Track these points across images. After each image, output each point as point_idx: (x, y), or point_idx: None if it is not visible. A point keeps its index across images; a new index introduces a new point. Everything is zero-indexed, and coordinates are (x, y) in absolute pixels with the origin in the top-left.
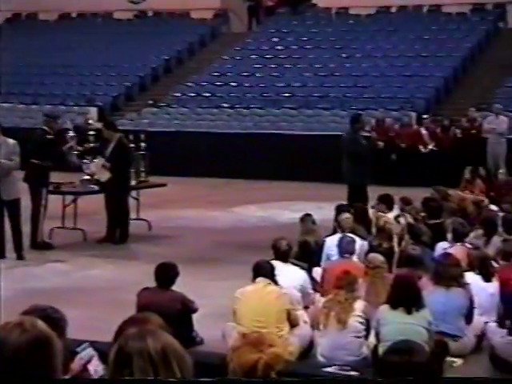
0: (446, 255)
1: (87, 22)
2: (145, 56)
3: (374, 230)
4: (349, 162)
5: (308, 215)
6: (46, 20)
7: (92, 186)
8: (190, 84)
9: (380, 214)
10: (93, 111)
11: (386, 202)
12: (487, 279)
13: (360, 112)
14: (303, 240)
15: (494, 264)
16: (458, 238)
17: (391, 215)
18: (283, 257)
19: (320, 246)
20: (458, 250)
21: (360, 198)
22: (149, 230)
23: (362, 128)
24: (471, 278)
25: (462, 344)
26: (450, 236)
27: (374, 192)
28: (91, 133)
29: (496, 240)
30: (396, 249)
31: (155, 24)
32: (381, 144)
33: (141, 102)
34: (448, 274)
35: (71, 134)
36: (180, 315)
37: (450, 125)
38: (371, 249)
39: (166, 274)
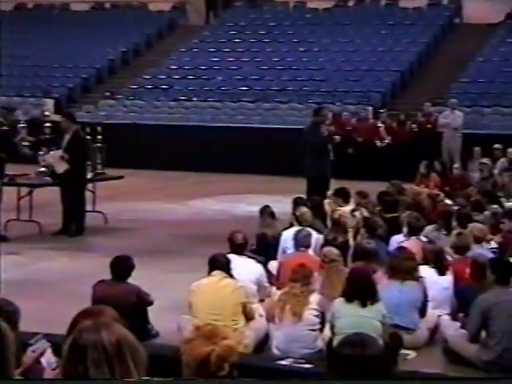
0: (401, 249)
1: (44, 13)
2: (102, 48)
3: (329, 223)
4: (309, 155)
5: (267, 207)
6: (2, 11)
7: (47, 178)
8: (147, 76)
9: (335, 207)
10: (49, 103)
11: (342, 196)
12: (441, 273)
13: (322, 105)
14: (261, 233)
15: (449, 258)
16: (413, 231)
17: (347, 209)
18: (239, 250)
19: (276, 239)
20: (412, 244)
21: (320, 191)
22: (105, 222)
23: (322, 121)
24: (425, 271)
25: (415, 337)
26: (405, 230)
27: (331, 186)
28: (47, 124)
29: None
30: (351, 242)
31: (112, 16)
32: (337, 138)
33: (98, 94)
34: (402, 268)
35: (22, 125)
36: (135, 308)
37: (405, 119)
38: (326, 242)
39: (122, 266)
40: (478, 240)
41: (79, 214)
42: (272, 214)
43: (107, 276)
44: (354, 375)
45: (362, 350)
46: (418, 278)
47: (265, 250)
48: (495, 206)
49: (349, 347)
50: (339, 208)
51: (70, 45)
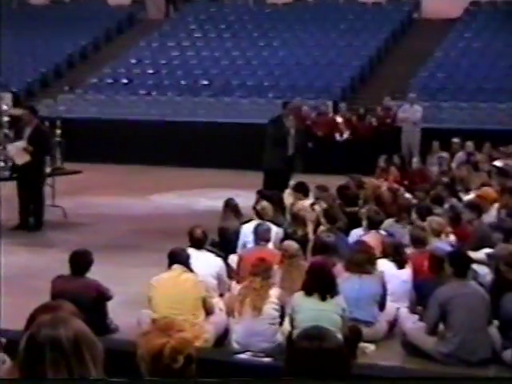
0: (360, 242)
1: (1, 6)
2: (61, 42)
3: (288, 217)
4: (267, 147)
5: (231, 200)
6: None
7: (5, 172)
8: (107, 71)
9: (295, 201)
10: (7, 97)
11: (302, 190)
12: (400, 266)
13: (291, 100)
14: (221, 227)
15: (408, 251)
16: (373, 225)
17: (307, 202)
18: (198, 244)
19: (236, 234)
20: (372, 238)
21: (277, 184)
22: (64, 217)
23: (287, 114)
24: (384, 264)
25: (374, 330)
26: (364, 223)
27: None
28: (5, 118)
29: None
30: (311, 236)
31: (72, 10)
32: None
33: (57, 89)
34: (361, 261)
35: None
36: (94, 303)
37: (365, 113)
38: (286, 236)
39: (80, 261)
40: (437, 233)
41: (38, 208)
42: (236, 208)
43: (66, 271)
44: (311, 368)
45: (320, 342)
46: (377, 272)
47: (226, 243)
48: (454, 200)
49: (306, 340)
50: (298, 202)
51: (29, 39)
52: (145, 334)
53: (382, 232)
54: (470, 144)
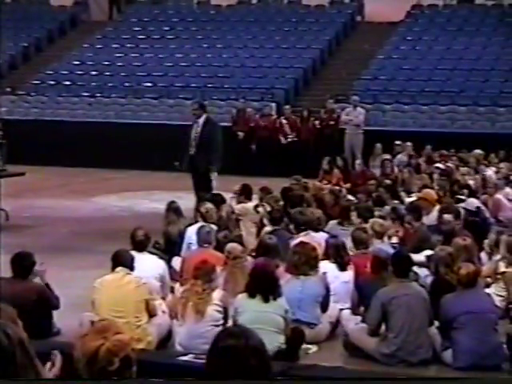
0: (302, 244)
1: None
2: (2, 43)
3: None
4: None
5: (173, 203)
6: None
7: None
8: (49, 72)
9: (237, 203)
10: None
11: (245, 193)
12: (342, 267)
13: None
14: (164, 229)
15: (350, 252)
16: (315, 227)
17: (250, 205)
18: (141, 246)
19: (181, 236)
20: (314, 239)
21: (205, 185)
22: (6, 219)
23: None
24: (326, 266)
25: (317, 331)
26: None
27: (234, 182)
28: None
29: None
30: (251, 239)
31: (13, 10)
32: (240, 134)
33: None
34: (303, 263)
35: None
36: (35, 306)
37: (308, 116)
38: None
39: (22, 263)
40: (379, 235)
41: None
42: (178, 210)
43: (8, 273)
44: (235, 367)
45: (246, 340)
46: (318, 273)
47: (170, 246)
48: (395, 202)
49: (232, 338)
50: (241, 204)
51: None
52: (82, 337)
53: (325, 234)
54: (408, 146)
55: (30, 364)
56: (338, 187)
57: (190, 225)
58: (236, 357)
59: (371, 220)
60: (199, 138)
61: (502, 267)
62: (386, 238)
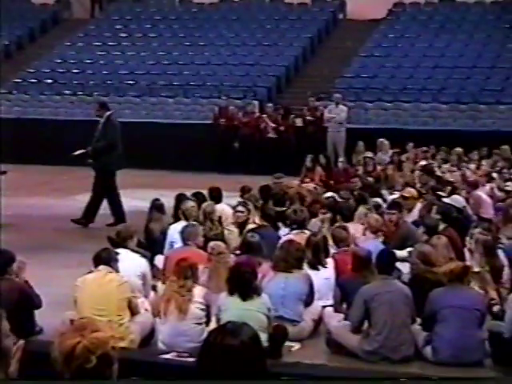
0: (288, 241)
1: None
2: None
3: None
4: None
5: (156, 200)
6: None
7: None
8: (30, 70)
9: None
10: None
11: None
12: (322, 264)
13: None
14: (147, 227)
15: (331, 250)
16: (298, 224)
17: (227, 208)
18: (123, 244)
19: (163, 234)
20: (296, 237)
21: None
22: None
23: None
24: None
25: (300, 328)
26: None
27: (216, 180)
28: None
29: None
30: (234, 237)
31: None
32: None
33: None
34: (288, 260)
35: None
36: (16, 305)
37: (289, 113)
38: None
39: None
40: (375, 230)
41: None
42: (161, 208)
43: None
44: (229, 365)
45: (240, 337)
46: (302, 271)
47: (152, 244)
48: (377, 199)
49: (226, 335)
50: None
51: None
52: (60, 335)
53: (307, 231)
54: (386, 143)
55: None
56: (315, 185)
57: (173, 223)
58: (230, 354)
59: (369, 215)
60: (97, 138)
61: (476, 267)
62: (369, 234)
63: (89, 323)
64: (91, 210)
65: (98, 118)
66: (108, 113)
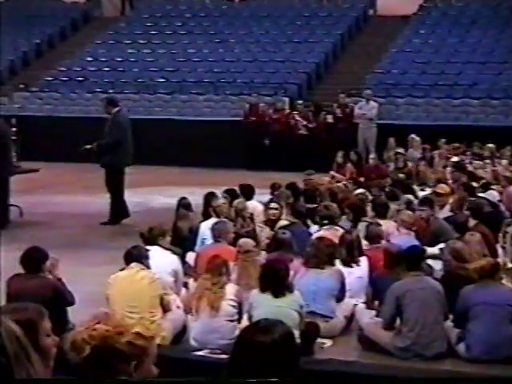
0: (319, 238)
1: None
2: (15, 39)
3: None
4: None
5: (183, 199)
6: None
7: None
8: (62, 68)
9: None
10: None
11: (244, 193)
12: (356, 263)
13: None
14: (175, 226)
15: (364, 247)
16: (330, 221)
17: (260, 206)
18: (155, 242)
19: (194, 231)
20: (328, 233)
21: (117, 181)
22: (20, 216)
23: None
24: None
25: (332, 325)
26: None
27: (247, 177)
28: None
29: (363, 224)
30: (266, 234)
31: (26, 7)
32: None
33: (11, 87)
34: (319, 256)
35: None
36: (50, 302)
37: (320, 110)
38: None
39: (32, 258)
40: (407, 225)
41: (2, 206)
42: (188, 206)
43: (22, 271)
44: (261, 362)
45: (274, 335)
46: (334, 267)
47: (181, 242)
48: (409, 196)
49: (259, 333)
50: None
51: None
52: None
53: (338, 228)
54: (417, 139)
55: (25, 356)
56: (347, 182)
57: (203, 220)
58: (261, 352)
59: (402, 211)
60: (104, 135)
61: (509, 263)
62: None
63: (107, 317)
64: (113, 207)
65: (107, 115)
66: (116, 109)
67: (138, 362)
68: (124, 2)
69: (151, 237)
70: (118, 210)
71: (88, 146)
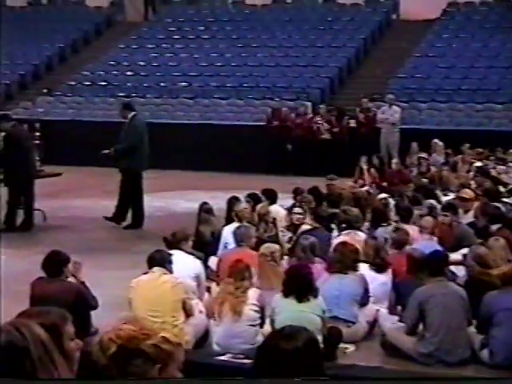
0: (342, 243)
1: None
2: (39, 44)
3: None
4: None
5: (205, 204)
6: None
7: None
8: (85, 73)
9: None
10: None
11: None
12: (381, 269)
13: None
14: (198, 230)
15: (389, 252)
16: (352, 226)
17: (282, 211)
18: (178, 246)
19: (217, 236)
20: (347, 237)
21: (135, 185)
22: (44, 220)
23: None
24: (364, 267)
25: (354, 330)
26: (344, 225)
27: (269, 181)
28: None
29: (381, 230)
30: (286, 237)
31: (50, 12)
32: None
33: (35, 91)
34: (343, 261)
35: None
36: (73, 306)
37: (343, 114)
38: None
39: (53, 261)
40: (429, 231)
41: (28, 210)
42: (210, 211)
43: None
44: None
45: (297, 341)
46: (357, 272)
47: (203, 246)
48: (431, 201)
49: (284, 340)
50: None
51: (7, 41)
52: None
53: (360, 233)
54: (440, 144)
55: (50, 359)
56: (373, 186)
57: (227, 224)
58: (284, 358)
59: (426, 218)
60: (120, 139)
61: None
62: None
63: (135, 320)
64: (137, 211)
65: (123, 120)
66: (132, 114)
67: (163, 366)
68: (147, 6)
69: (174, 241)
70: (134, 216)
71: (105, 152)
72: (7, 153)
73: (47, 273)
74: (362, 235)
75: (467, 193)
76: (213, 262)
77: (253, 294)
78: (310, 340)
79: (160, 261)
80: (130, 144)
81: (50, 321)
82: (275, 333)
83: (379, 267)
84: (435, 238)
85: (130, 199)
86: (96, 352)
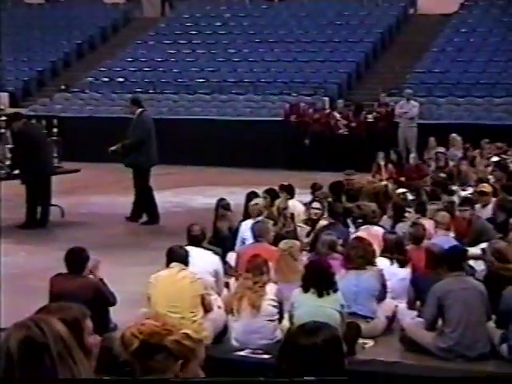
0: (358, 238)
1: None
2: (57, 41)
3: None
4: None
5: (222, 199)
6: None
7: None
8: (102, 69)
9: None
10: (4, 96)
11: (287, 190)
12: (402, 264)
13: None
14: (215, 226)
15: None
16: (362, 219)
17: (300, 206)
18: (196, 242)
19: (234, 231)
20: (363, 233)
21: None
22: (62, 216)
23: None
24: (383, 263)
25: (373, 325)
26: (362, 220)
27: (287, 176)
28: (3, 118)
29: (401, 225)
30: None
31: (67, 8)
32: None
33: (53, 87)
34: (360, 257)
35: None
36: (92, 302)
37: (361, 109)
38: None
39: (75, 259)
40: (445, 226)
41: (44, 206)
42: (227, 207)
43: (64, 270)
44: (307, 363)
45: (319, 338)
46: (374, 267)
47: (220, 241)
48: (450, 196)
49: (305, 336)
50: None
51: (25, 38)
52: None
53: (379, 228)
54: (459, 139)
55: (69, 355)
56: (387, 182)
57: (243, 220)
58: (304, 354)
59: (441, 213)
60: (128, 135)
61: None
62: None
63: (157, 316)
64: (149, 207)
65: (131, 115)
66: (140, 110)
67: (185, 362)
68: (164, 2)
69: (193, 236)
70: (146, 211)
71: (113, 148)
72: (19, 151)
73: (69, 269)
74: (379, 230)
75: (486, 187)
76: (231, 257)
77: (271, 288)
78: (331, 337)
79: (178, 256)
80: (137, 139)
81: (72, 316)
82: (297, 328)
83: (401, 262)
84: (451, 233)
85: (149, 193)
86: (118, 347)
